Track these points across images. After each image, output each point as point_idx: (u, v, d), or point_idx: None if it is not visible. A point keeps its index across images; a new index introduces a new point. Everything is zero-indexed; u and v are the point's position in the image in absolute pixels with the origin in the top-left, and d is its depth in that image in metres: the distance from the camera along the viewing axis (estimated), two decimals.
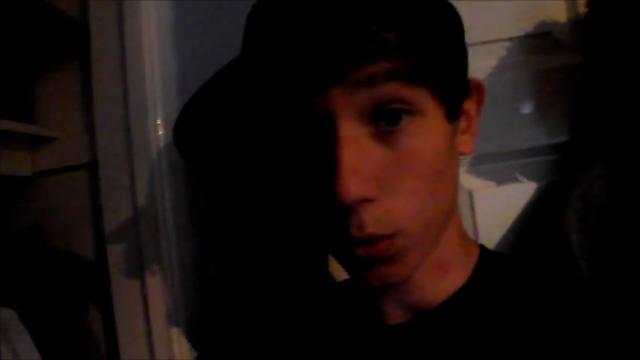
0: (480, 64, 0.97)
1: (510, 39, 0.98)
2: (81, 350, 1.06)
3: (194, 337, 1.01)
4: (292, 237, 0.96)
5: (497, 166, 0.98)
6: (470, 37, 0.94)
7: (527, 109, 0.97)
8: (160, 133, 1.02)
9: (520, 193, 0.96)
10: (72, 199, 1.12)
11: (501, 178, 0.98)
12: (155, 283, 1.01)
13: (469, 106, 0.63)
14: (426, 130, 0.54)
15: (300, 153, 0.56)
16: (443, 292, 0.63)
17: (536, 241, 0.90)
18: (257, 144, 0.65)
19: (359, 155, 0.52)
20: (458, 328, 0.61)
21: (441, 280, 0.63)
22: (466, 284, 0.64)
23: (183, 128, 0.64)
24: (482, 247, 0.69)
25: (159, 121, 1.03)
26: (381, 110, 0.52)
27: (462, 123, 0.62)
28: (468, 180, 0.98)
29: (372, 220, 0.53)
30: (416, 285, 0.62)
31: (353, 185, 0.51)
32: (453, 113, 0.58)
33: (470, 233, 0.95)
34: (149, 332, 1.00)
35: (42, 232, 1.10)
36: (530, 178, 0.97)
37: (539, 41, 0.98)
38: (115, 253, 1.04)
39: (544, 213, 0.92)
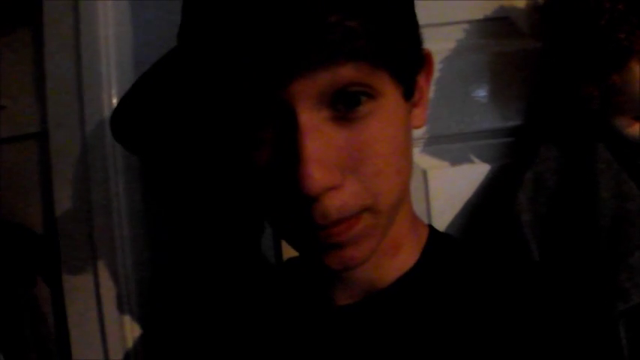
0: (438, 46, 0.97)
1: (469, 22, 0.99)
2: (28, 323, 1.04)
3: (146, 310, 1.00)
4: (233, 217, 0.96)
5: (452, 147, 0.99)
6: (429, 18, 0.95)
7: (483, 91, 0.98)
8: (114, 102, 1.00)
9: (474, 174, 0.98)
10: (21, 169, 1.09)
11: (456, 159, 0.99)
12: (106, 256, 1.00)
13: (421, 78, 0.62)
14: (385, 112, 0.54)
15: (254, 142, 0.54)
16: (393, 272, 0.64)
17: (489, 222, 0.92)
18: (200, 134, 0.63)
19: (321, 142, 0.50)
20: (408, 309, 0.62)
21: (391, 259, 0.63)
22: (416, 265, 0.64)
23: (120, 121, 0.61)
24: (430, 227, 0.70)
25: (113, 92, 1.00)
26: (341, 93, 0.51)
27: (415, 96, 0.61)
28: (422, 159, 0.99)
29: (337, 207, 0.52)
30: (367, 265, 0.60)
31: (317, 175, 0.49)
32: (409, 92, 0.58)
33: (423, 212, 0.97)
34: (99, 305, 0.99)
35: None
36: (484, 160, 0.99)
37: (497, 25, 0.99)
38: (66, 226, 1.02)
39: (496, 194, 0.94)
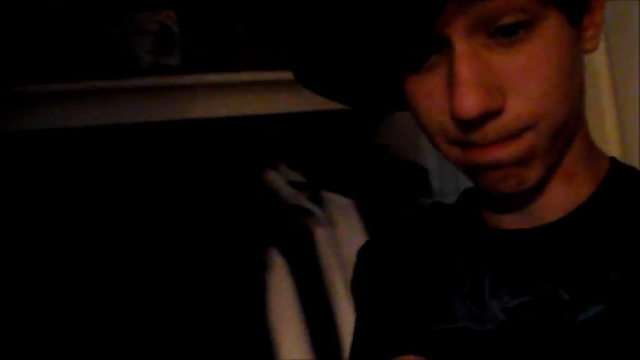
0: None
1: None
2: None
3: None
4: None
5: None
6: None
7: None
8: None
9: None
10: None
11: None
12: None
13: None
14: (546, 35, 0.53)
15: (418, 71, 0.55)
16: (566, 202, 0.62)
17: None
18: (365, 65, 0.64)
19: (479, 67, 0.51)
20: (580, 241, 0.60)
21: (564, 189, 0.61)
22: (592, 196, 0.62)
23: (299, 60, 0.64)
24: (613, 159, 0.66)
25: None
26: (497, 26, 0.51)
27: (586, 19, 0.58)
28: None
29: (498, 130, 0.53)
30: (539, 192, 0.60)
31: (473, 99, 0.50)
32: (575, 15, 0.56)
33: None
34: None
35: (389, 148, 1.46)
36: None
37: None
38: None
39: None
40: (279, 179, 1.43)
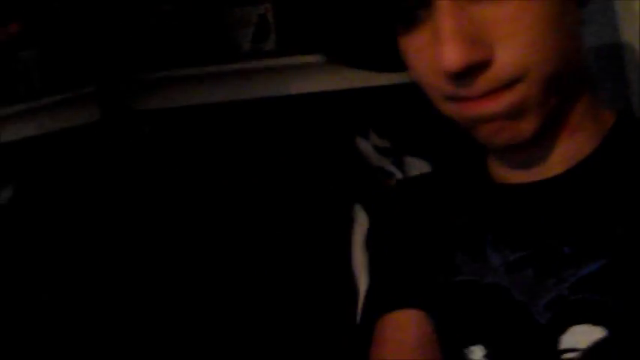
0: None
1: None
2: None
3: None
4: None
5: None
6: None
7: None
8: None
9: None
10: None
11: None
12: None
13: None
14: None
15: (409, 31, 0.56)
16: (569, 156, 0.61)
17: None
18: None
19: (461, 19, 0.51)
20: (584, 194, 0.60)
21: (567, 143, 0.61)
22: (596, 150, 0.61)
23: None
24: (621, 114, 0.65)
25: None
26: None
27: None
28: None
29: (487, 81, 0.53)
30: (541, 146, 0.60)
31: (457, 51, 0.50)
32: None
33: None
34: None
35: None
36: None
37: None
38: None
39: None
40: (367, 145, 1.62)
